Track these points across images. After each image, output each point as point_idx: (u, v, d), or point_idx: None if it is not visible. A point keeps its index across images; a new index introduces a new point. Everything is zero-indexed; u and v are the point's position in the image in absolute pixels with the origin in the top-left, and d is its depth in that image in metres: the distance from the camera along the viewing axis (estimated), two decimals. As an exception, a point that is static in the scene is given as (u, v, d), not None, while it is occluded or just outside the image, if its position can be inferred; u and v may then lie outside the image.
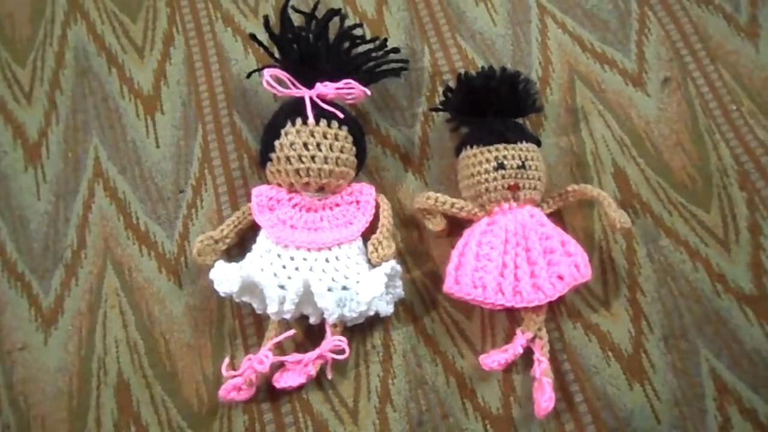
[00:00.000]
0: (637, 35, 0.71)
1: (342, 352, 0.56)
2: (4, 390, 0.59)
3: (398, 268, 0.59)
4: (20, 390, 0.59)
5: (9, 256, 0.64)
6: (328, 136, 0.59)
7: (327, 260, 0.59)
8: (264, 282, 0.56)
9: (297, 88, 0.61)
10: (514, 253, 0.58)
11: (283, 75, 0.60)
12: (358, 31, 0.64)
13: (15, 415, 0.58)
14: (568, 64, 0.70)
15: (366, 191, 0.62)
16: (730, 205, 0.64)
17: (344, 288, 0.57)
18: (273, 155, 0.59)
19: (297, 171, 0.58)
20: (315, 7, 0.63)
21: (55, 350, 0.60)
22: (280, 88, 0.60)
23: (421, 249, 0.63)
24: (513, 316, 0.60)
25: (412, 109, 0.69)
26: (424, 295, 0.62)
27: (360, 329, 0.60)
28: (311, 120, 0.59)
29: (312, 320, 0.58)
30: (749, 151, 0.65)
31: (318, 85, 0.60)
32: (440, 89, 0.68)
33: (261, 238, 0.60)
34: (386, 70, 0.64)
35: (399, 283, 0.59)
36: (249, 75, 0.66)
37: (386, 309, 0.58)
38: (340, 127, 0.59)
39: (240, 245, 0.62)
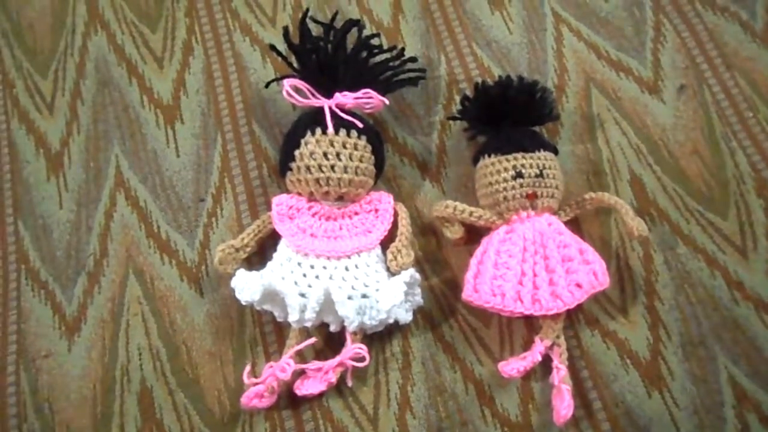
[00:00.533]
0: (652, 43, 0.71)
1: (362, 359, 0.57)
2: (29, 396, 0.60)
3: (417, 276, 0.59)
4: (45, 397, 0.60)
5: (32, 264, 0.65)
6: (348, 145, 0.59)
7: (347, 268, 0.60)
8: (285, 290, 0.56)
9: (316, 98, 0.61)
10: (532, 261, 0.59)
11: (302, 85, 0.61)
12: (375, 41, 0.65)
13: (40, 422, 0.59)
14: (583, 71, 0.71)
15: (384, 200, 0.62)
16: (748, 213, 0.64)
17: (364, 296, 0.58)
18: (293, 165, 0.60)
19: (317, 180, 0.59)
20: (333, 18, 0.64)
21: (79, 358, 0.61)
22: (299, 98, 0.61)
23: (439, 257, 0.64)
24: (531, 324, 0.60)
25: (429, 117, 0.69)
26: (442, 302, 0.62)
27: (379, 337, 0.60)
28: (330, 130, 0.59)
29: (332, 328, 0.58)
30: (766, 159, 0.65)
31: (337, 95, 0.61)
32: (457, 98, 0.68)
33: (281, 246, 0.60)
34: (403, 79, 0.65)
35: (418, 291, 0.60)
36: (267, 84, 0.67)
37: (405, 317, 0.58)
38: (359, 137, 0.60)
39: (260, 254, 0.62)
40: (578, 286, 0.58)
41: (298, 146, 0.60)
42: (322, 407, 0.59)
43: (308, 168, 0.59)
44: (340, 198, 0.61)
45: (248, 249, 0.61)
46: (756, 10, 0.72)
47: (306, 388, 0.57)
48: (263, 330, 0.61)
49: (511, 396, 0.59)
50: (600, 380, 0.59)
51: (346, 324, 0.57)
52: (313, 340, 0.58)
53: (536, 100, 0.62)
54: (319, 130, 0.60)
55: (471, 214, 0.61)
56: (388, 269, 0.60)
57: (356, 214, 0.62)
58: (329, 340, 0.60)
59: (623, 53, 0.71)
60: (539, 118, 0.64)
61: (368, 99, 0.61)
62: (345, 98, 0.61)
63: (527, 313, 0.57)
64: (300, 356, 0.59)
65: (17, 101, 0.72)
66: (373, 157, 0.61)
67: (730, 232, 0.63)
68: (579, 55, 0.71)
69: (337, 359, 0.57)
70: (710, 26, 0.72)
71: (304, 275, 0.59)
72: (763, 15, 0.71)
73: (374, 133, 0.62)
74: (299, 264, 0.59)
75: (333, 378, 0.57)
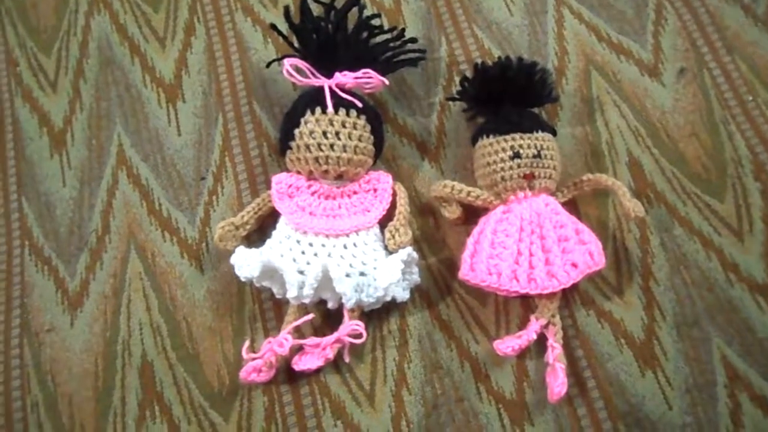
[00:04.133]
0: (653, 25, 0.71)
1: (359, 336, 0.58)
2: (33, 369, 0.61)
3: (415, 254, 0.60)
4: (48, 370, 0.61)
5: (36, 240, 0.66)
6: (347, 124, 0.60)
7: (345, 246, 0.60)
8: (284, 267, 0.57)
9: (316, 77, 0.62)
10: (528, 241, 0.59)
11: (302, 64, 0.62)
12: (376, 22, 0.65)
13: (43, 394, 0.60)
14: (584, 54, 0.71)
15: (383, 179, 0.63)
16: (744, 196, 0.64)
17: (362, 274, 0.58)
18: (293, 143, 0.60)
19: (316, 159, 0.60)
20: (334, -2, 0.64)
21: (81, 332, 0.62)
22: (299, 78, 0.61)
23: (437, 236, 0.64)
24: (527, 303, 0.61)
25: (428, 98, 0.70)
26: (439, 281, 0.63)
27: (377, 314, 0.61)
28: (330, 109, 0.60)
29: (330, 305, 0.59)
30: (764, 142, 0.66)
31: (337, 74, 0.61)
32: (457, 79, 0.69)
33: (280, 224, 0.61)
34: (404, 59, 0.65)
35: (415, 269, 0.60)
36: (269, 64, 0.67)
37: (403, 295, 0.59)
38: (358, 116, 0.61)
39: (260, 231, 0.63)
40: (574, 265, 0.58)
41: (297, 125, 0.60)
42: (320, 383, 0.60)
43: (308, 147, 0.60)
44: (340, 177, 0.62)
45: (248, 227, 0.62)
46: (758, -6, 0.72)
47: (304, 363, 0.58)
48: (262, 306, 0.62)
49: (506, 374, 0.59)
50: (594, 359, 0.59)
51: (343, 301, 0.57)
52: (311, 316, 0.59)
53: (535, 82, 0.63)
54: (318, 110, 0.60)
55: (469, 194, 0.61)
56: (386, 248, 0.61)
57: (355, 193, 0.63)
58: (327, 317, 0.61)
59: (624, 36, 0.71)
60: (538, 100, 0.64)
61: (368, 79, 0.62)
62: (345, 78, 0.61)
63: (523, 292, 0.58)
64: (298, 332, 0.60)
65: (21, 79, 0.73)
66: (372, 137, 0.61)
67: (726, 215, 0.63)
68: (580, 38, 0.71)
69: (335, 335, 0.58)
70: (712, 9, 0.72)
71: (303, 253, 0.59)
72: (765, -2, 0.71)
73: (373, 112, 0.63)
74: (298, 241, 0.60)
75: (330, 354, 0.58)
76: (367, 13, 0.66)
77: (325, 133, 0.59)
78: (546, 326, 0.59)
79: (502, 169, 0.60)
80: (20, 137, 0.70)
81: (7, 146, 0.70)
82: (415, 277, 0.60)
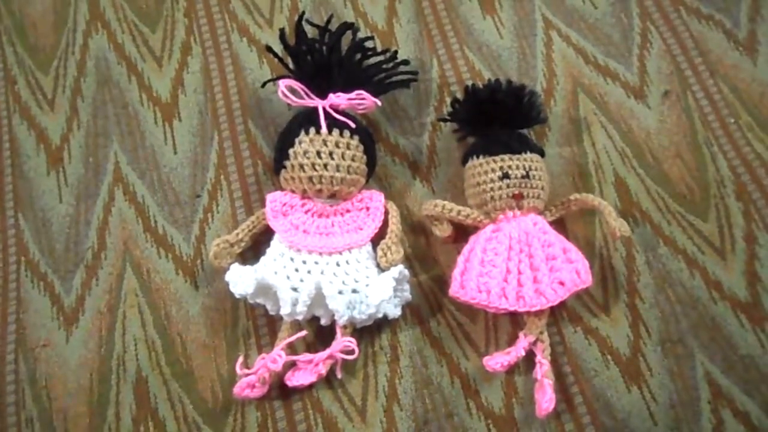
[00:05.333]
0: (638, 49, 0.73)
1: (351, 352, 0.59)
2: (28, 385, 0.62)
3: (406, 272, 0.61)
4: (43, 385, 0.62)
5: (32, 256, 0.67)
6: (340, 145, 0.61)
7: (338, 264, 0.61)
8: (277, 284, 0.58)
9: (310, 98, 0.63)
10: (517, 260, 0.61)
11: (297, 85, 0.63)
12: (369, 44, 0.66)
13: (38, 409, 0.61)
14: (571, 76, 0.72)
15: (376, 198, 0.64)
16: (727, 215, 0.66)
17: (354, 291, 0.59)
18: (287, 163, 0.62)
19: (310, 178, 0.61)
20: (328, 21, 0.66)
21: (77, 348, 0.63)
22: (294, 99, 0.63)
23: (428, 254, 0.65)
24: (516, 320, 0.62)
25: (420, 119, 0.71)
26: (430, 298, 0.64)
27: (369, 331, 0.62)
28: (324, 129, 0.61)
29: (323, 322, 0.60)
30: (746, 163, 0.67)
31: (331, 95, 0.63)
32: (448, 100, 0.70)
33: (274, 242, 0.62)
34: (396, 81, 0.67)
35: (407, 286, 0.61)
36: (264, 84, 0.68)
37: (394, 312, 0.60)
38: (351, 137, 0.62)
39: (254, 249, 0.64)
40: (561, 284, 0.59)
41: (292, 145, 0.61)
42: (312, 398, 0.60)
43: (302, 166, 0.61)
44: (333, 196, 0.63)
45: (242, 244, 0.63)
46: (739, 19, 0.74)
47: (297, 379, 0.59)
48: (256, 323, 0.63)
49: (495, 389, 0.60)
50: (581, 375, 0.61)
51: (336, 318, 0.58)
52: (304, 333, 0.60)
53: (524, 104, 0.64)
54: (312, 130, 0.61)
55: (459, 213, 0.62)
56: (377, 265, 0.62)
57: (348, 211, 0.64)
58: (320, 334, 0.62)
59: (610, 59, 0.73)
60: (527, 121, 0.65)
61: (361, 100, 0.63)
62: (338, 99, 0.62)
63: (512, 309, 0.59)
64: (291, 348, 0.60)
65: (19, 97, 0.74)
66: (365, 157, 0.63)
67: (709, 234, 0.65)
68: (567, 60, 0.73)
69: (327, 352, 0.59)
70: (695, 34, 0.74)
71: (297, 270, 0.60)
72: (746, 23, 0.73)
73: (366, 133, 0.64)
74: (292, 259, 0.61)
75: (323, 370, 0.59)
76: (360, 35, 0.68)
77: (318, 153, 0.60)
78: (534, 343, 0.60)
79: (492, 189, 0.61)
80: (17, 154, 0.71)
81: (5, 163, 0.71)
82: (407, 295, 0.61)
